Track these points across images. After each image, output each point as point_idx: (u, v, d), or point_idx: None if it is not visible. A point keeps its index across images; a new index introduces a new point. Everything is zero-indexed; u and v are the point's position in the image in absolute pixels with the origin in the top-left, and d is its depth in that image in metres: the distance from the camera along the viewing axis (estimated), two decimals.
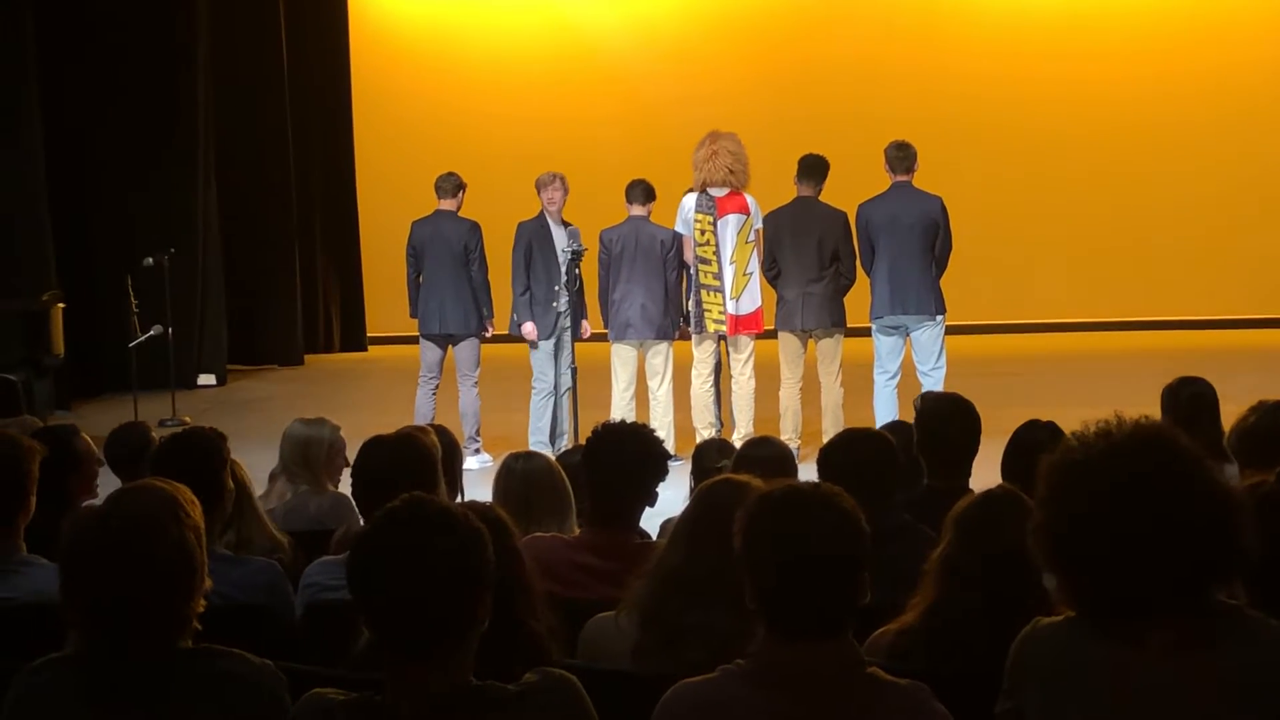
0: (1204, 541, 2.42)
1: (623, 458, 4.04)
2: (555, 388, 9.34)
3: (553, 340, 9.31)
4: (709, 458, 5.42)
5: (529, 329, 9.34)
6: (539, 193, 9.42)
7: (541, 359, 9.35)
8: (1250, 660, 2.42)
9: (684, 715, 2.57)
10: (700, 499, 3.37)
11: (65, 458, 4.81)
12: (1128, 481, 2.42)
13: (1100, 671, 2.45)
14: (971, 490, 3.99)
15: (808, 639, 2.54)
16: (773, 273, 9.22)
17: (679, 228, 9.23)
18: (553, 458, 4.98)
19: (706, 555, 3.17)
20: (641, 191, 9.32)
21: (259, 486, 5.02)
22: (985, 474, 4.46)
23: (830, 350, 9.20)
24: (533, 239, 9.36)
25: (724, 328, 9.10)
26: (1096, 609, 2.47)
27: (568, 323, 9.30)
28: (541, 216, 9.43)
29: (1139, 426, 2.50)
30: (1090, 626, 2.48)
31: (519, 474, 4.66)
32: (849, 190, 9.33)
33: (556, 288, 9.27)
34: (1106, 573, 2.43)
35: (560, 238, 9.35)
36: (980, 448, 4.72)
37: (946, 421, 4.73)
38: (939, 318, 9.02)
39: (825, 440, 4.96)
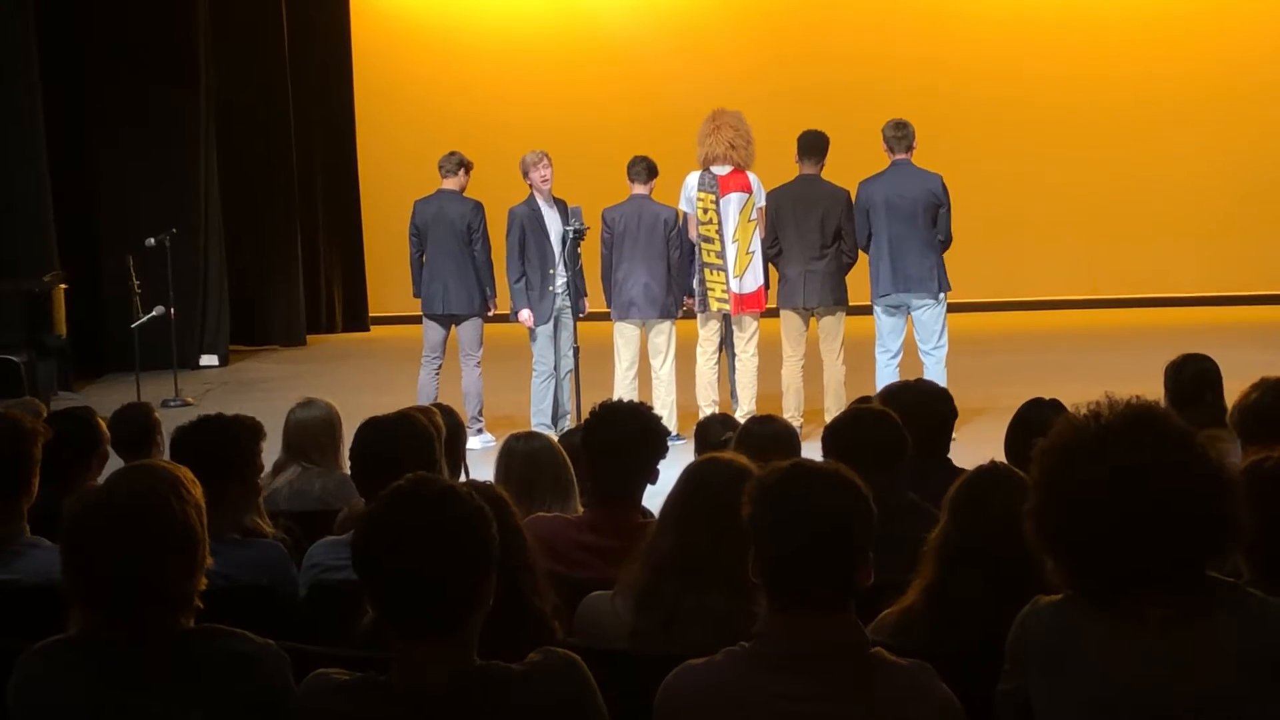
0: (1198, 518, 2.43)
1: (622, 436, 4.04)
2: (556, 369, 9.34)
3: (551, 323, 9.31)
4: (713, 432, 5.41)
5: (525, 316, 9.31)
6: (528, 174, 9.31)
7: (541, 342, 9.33)
8: (1246, 634, 2.44)
9: (687, 698, 2.57)
10: (688, 478, 3.36)
11: (87, 438, 4.82)
12: (1121, 463, 2.43)
13: (1099, 648, 2.46)
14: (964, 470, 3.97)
15: (810, 612, 2.54)
16: (774, 250, 9.19)
17: (682, 206, 9.21)
18: (554, 438, 4.98)
19: (698, 536, 3.17)
20: (644, 169, 9.28)
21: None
22: (990, 452, 4.44)
23: (832, 328, 9.18)
24: (525, 224, 9.31)
25: (727, 306, 9.08)
26: (1093, 589, 2.48)
27: (566, 303, 9.30)
28: (531, 200, 9.36)
29: (1131, 407, 2.50)
30: (1088, 604, 2.49)
31: (520, 454, 4.66)
32: (853, 169, 9.27)
33: (552, 270, 9.25)
34: (1102, 553, 2.44)
35: (552, 218, 9.32)
36: (981, 426, 4.69)
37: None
38: (941, 296, 9.00)
39: (827, 418, 4.93)
